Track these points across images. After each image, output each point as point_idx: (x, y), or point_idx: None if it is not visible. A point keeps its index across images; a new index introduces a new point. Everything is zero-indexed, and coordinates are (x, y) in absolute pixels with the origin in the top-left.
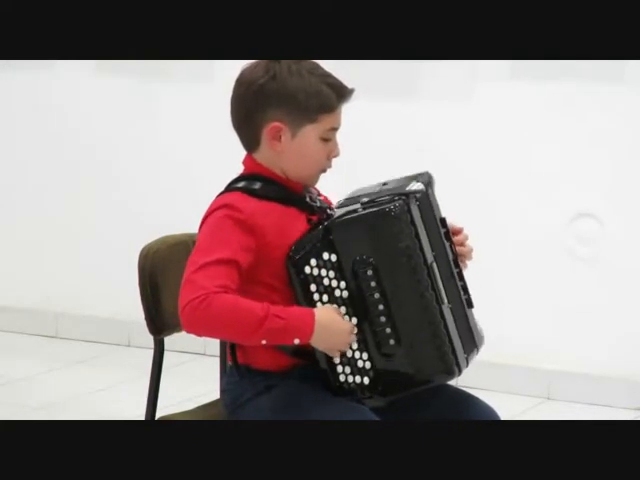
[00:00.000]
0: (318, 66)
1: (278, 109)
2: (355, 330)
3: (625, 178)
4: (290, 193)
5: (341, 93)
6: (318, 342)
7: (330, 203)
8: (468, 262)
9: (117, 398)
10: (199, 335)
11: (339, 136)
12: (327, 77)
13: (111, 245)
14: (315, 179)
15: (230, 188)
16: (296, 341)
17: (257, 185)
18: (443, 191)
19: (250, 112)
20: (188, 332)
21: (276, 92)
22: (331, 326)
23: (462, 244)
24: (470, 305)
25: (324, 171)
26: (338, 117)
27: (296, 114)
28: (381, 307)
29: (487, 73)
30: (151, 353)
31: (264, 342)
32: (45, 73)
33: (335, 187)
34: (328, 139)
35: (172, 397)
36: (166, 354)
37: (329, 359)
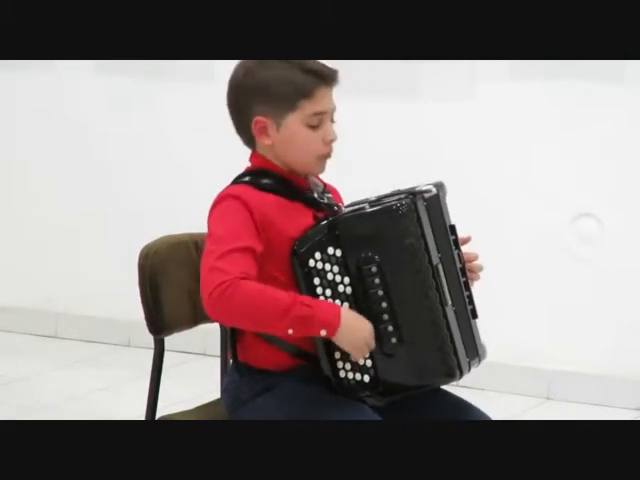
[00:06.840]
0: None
1: (258, 103)
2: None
3: (625, 178)
4: (295, 188)
5: (320, 76)
6: (343, 337)
7: (339, 199)
8: (476, 283)
9: (117, 398)
10: (224, 323)
11: (339, 133)
12: (304, 64)
13: (111, 245)
14: (317, 167)
15: (237, 182)
16: (322, 332)
17: (263, 179)
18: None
19: (238, 113)
20: (213, 319)
21: (251, 87)
22: (355, 323)
23: (471, 261)
24: (475, 316)
25: (327, 156)
26: (321, 101)
27: (275, 105)
28: (384, 304)
29: (487, 73)
30: (151, 353)
31: (290, 331)
32: (45, 73)
33: (332, 185)
34: (315, 125)
35: (172, 397)
36: (166, 354)
37: (330, 353)
